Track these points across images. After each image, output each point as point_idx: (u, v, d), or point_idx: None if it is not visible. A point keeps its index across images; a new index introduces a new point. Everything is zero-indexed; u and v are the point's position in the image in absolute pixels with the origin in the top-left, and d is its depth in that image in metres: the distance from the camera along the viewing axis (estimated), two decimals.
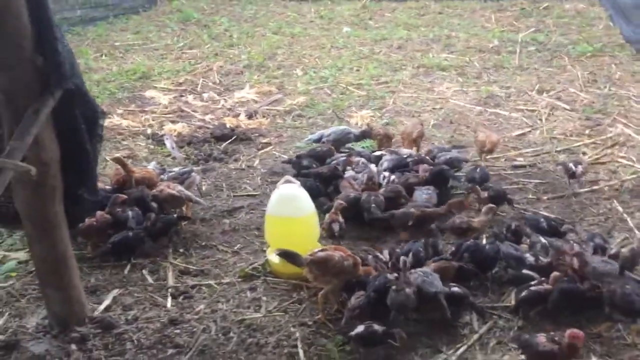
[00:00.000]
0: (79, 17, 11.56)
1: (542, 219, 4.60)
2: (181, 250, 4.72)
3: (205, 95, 8.14)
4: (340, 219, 4.58)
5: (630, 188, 5.42)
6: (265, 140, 6.76)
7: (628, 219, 4.91)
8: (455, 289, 3.79)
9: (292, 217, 4.35)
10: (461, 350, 3.60)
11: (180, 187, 5.05)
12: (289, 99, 7.87)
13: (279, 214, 4.39)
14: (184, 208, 5.10)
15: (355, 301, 3.73)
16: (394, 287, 3.64)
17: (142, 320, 3.94)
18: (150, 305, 4.11)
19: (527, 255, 4.10)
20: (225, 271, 4.47)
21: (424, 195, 4.91)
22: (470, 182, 5.21)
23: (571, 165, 5.34)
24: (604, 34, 10.12)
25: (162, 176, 5.34)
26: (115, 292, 4.23)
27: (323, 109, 7.54)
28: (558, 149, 6.26)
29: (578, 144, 6.35)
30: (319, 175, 5.27)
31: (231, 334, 3.80)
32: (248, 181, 5.86)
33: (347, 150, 6.06)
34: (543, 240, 4.25)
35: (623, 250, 4.06)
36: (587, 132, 6.63)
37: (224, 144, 6.66)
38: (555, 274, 3.81)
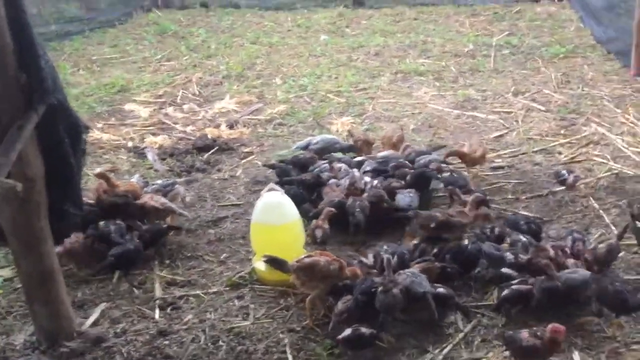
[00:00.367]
0: (55, 32, 11.45)
1: (522, 221, 4.62)
2: (167, 261, 4.74)
3: (185, 107, 8.12)
4: (326, 225, 4.62)
5: (606, 185, 5.55)
6: (247, 150, 6.79)
7: (604, 216, 5.04)
8: (441, 289, 3.86)
9: (276, 224, 4.40)
10: (447, 349, 3.68)
11: (163, 200, 5.07)
12: (269, 108, 7.91)
13: (264, 222, 4.43)
14: (168, 219, 5.12)
15: (342, 305, 3.78)
16: (380, 288, 3.70)
17: (130, 333, 3.95)
18: (139, 318, 4.12)
19: (507, 254, 4.18)
20: (212, 281, 4.50)
21: (406, 198, 4.97)
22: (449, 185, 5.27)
23: (564, 172, 5.35)
24: (576, 35, 10.32)
25: (145, 189, 5.35)
26: (102, 305, 4.23)
27: (304, 117, 7.60)
28: (535, 149, 6.39)
29: (554, 143, 6.49)
30: (303, 183, 5.32)
31: (220, 343, 3.83)
32: (232, 191, 5.89)
33: (327, 157, 6.07)
34: (523, 238, 4.34)
35: (600, 246, 4.18)
36: (562, 132, 6.77)
37: (206, 155, 6.68)
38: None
